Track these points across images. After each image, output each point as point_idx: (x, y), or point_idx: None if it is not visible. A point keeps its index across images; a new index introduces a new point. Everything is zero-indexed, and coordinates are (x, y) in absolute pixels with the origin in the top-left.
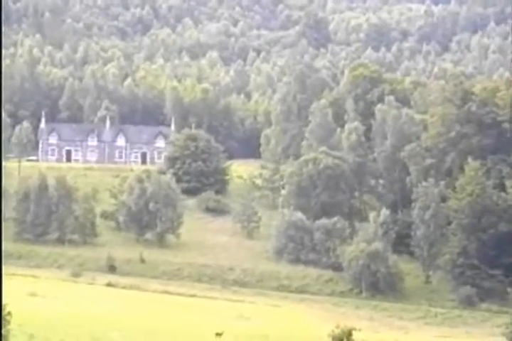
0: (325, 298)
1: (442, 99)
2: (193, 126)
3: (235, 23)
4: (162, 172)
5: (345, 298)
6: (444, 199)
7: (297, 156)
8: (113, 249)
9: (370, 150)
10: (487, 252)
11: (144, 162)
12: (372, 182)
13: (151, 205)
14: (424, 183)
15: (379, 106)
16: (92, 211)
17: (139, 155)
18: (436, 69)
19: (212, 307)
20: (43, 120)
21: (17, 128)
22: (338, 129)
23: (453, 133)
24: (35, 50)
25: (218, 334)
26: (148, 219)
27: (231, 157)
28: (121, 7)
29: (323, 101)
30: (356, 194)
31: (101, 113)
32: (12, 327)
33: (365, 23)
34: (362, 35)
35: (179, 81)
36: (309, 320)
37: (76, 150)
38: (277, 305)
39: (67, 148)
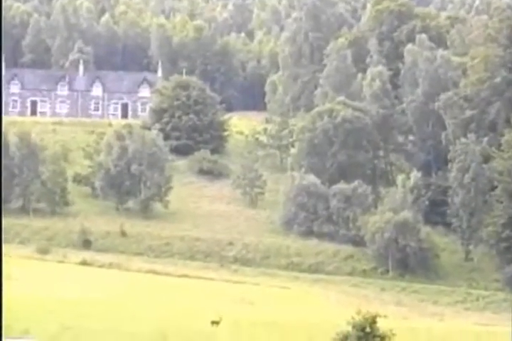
0: (343, 279)
1: (485, 38)
2: (184, 71)
3: None
4: (146, 128)
5: (367, 279)
6: (486, 159)
7: (309, 108)
8: (88, 219)
9: (397, 99)
10: None
11: (124, 115)
12: (401, 138)
13: (133, 167)
14: (462, 140)
15: (408, 46)
16: (62, 174)
17: (118, 106)
18: (477, 2)
19: (207, 289)
20: (3, 65)
21: None
22: (359, 75)
23: (498, 79)
24: None
25: (215, 322)
26: (130, 184)
27: (230, 109)
28: None
29: (340, 40)
30: (381, 153)
31: (73, 56)
32: None
33: None
34: None
35: (167, 17)
36: (325, 305)
37: (43, 101)
38: (286, 286)
39: (32, 98)
